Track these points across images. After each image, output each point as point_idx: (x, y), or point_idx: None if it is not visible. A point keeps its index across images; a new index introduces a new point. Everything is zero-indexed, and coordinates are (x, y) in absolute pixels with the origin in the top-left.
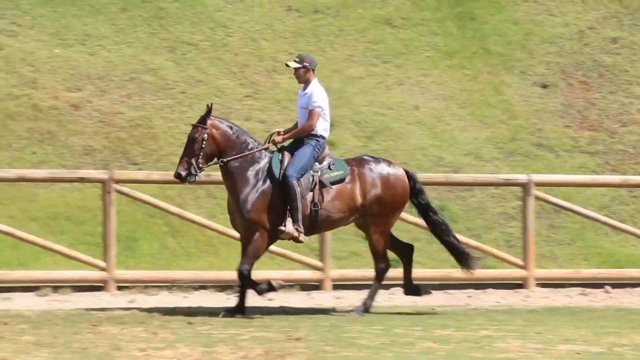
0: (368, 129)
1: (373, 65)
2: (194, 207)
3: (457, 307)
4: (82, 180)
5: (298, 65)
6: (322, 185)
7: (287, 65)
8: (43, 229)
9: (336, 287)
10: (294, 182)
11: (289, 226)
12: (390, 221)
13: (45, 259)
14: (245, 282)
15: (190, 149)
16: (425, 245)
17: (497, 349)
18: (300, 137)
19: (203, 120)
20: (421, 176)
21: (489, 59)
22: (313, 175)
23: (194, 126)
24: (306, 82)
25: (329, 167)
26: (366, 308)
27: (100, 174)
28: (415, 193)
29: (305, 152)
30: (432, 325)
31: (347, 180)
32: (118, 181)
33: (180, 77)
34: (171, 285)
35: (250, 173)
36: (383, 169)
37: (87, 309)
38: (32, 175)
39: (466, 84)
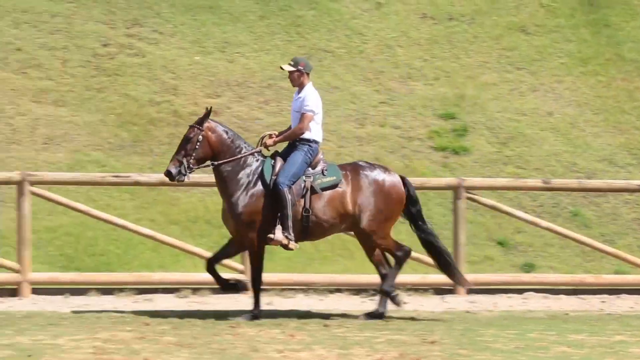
0: (502, 135)
1: (507, 72)
2: None
3: (590, 312)
4: None
5: (292, 69)
6: (314, 191)
7: (281, 69)
8: (183, 232)
9: (470, 291)
10: (285, 189)
11: (278, 234)
12: (387, 226)
13: (185, 262)
14: (255, 289)
15: (184, 149)
16: (558, 251)
17: (631, 355)
18: (292, 141)
19: (200, 122)
20: (555, 182)
21: (623, 66)
22: (305, 181)
23: (191, 126)
24: (300, 86)
25: (322, 173)
26: (389, 295)
27: None
28: (408, 201)
29: (297, 159)
30: (566, 330)
31: (339, 186)
32: None
33: (317, 83)
34: (307, 288)
35: (242, 176)
36: (378, 175)
37: (225, 311)
38: None
39: (600, 90)
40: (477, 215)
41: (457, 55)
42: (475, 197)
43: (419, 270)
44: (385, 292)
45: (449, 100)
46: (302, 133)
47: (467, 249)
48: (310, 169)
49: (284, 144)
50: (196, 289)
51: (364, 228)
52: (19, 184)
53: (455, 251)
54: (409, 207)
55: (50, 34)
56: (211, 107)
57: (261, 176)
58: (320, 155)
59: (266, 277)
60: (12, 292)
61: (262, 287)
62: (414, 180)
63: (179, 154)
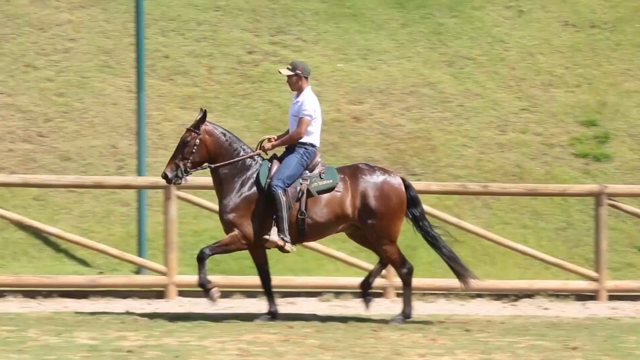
0: None
1: None
2: (471, 217)
3: None
4: None
5: (290, 73)
6: (310, 194)
7: (279, 73)
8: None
9: (611, 297)
10: (279, 191)
11: (273, 235)
12: (394, 229)
13: (328, 266)
14: (199, 264)
15: (181, 152)
16: None
17: None
18: (290, 145)
19: (197, 125)
20: None
21: None
22: (301, 184)
23: (187, 130)
24: (299, 90)
25: (320, 176)
26: (406, 315)
27: None
28: (410, 203)
29: (291, 161)
30: None
31: (337, 189)
32: None
33: (458, 90)
34: (448, 293)
35: (238, 180)
36: (377, 178)
37: (367, 315)
38: None
39: None
40: (619, 222)
41: (599, 62)
42: (617, 204)
43: (560, 276)
44: (405, 315)
45: (590, 107)
46: (300, 138)
47: (608, 255)
48: (307, 172)
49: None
50: (338, 292)
51: (372, 234)
52: (166, 188)
53: (597, 257)
54: (411, 209)
55: (196, 41)
56: (206, 110)
57: (256, 179)
58: (318, 159)
59: None
60: (159, 294)
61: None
62: (555, 187)
63: (176, 158)
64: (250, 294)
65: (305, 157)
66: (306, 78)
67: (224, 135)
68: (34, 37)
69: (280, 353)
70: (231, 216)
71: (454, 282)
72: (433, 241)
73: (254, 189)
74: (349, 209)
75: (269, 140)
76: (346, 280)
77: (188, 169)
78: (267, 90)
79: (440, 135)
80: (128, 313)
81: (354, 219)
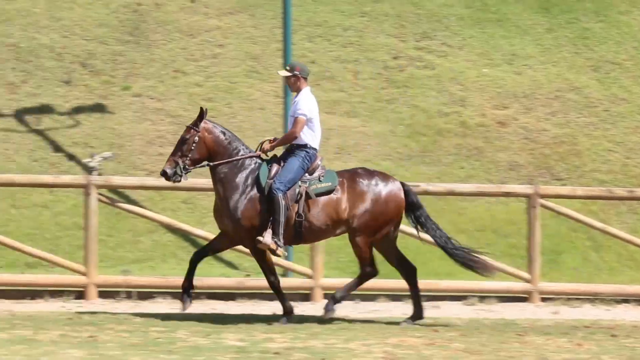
0: None
1: None
2: (616, 222)
3: None
4: (507, 194)
5: (288, 74)
6: (308, 196)
7: (278, 74)
8: (470, 240)
9: None
10: (279, 194)
11: (266, 238)
12: (379, 234)
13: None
14: (277, 295)
15: (180, 149)
16: None
17: None
18: (287, 145)
19: (196, 122)
20: None
21: None
22: (300, 186)
23: (187, 127)
24: (297, 91)
25: (319, 179)
26: (336, 300)
27: (526, 189)
28: (410, 208)
29: (293, 165)
30: None
31: (335, 192)
32: (543, 196)
33: (604, 95)
34: (594, 298)
35: (239, 179)
36: (375, 183)
37: (512, 319)
38: (460, 189)
39: None
40: None
41: None
42: None
43: None
44: (333, 297)
45: None
46: (295, 137)
47: None
48: (307, 174)
49: (282, 149)
50: (483, 296)
51: (355, 230)
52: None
53: None
54: (413, 213)
55: (342, 47)
56: (206, 108)
57: (257, 180)
58: (318, 162)
59: (553, 286)
60: (305, 297)
61: (281, 287)
62: None
63: (175, 155)
64: (394, 297)
65: (306, 160)
66: (305, 79)
67: (224, 134)
68: (184, 43)
69: (425, 357)
70: (244, 221)
71: (599, 287)
72: (442, 242)
73: (256, 188)
74: (344, 213)
75: (270, 141)
76: (490, 284)
77: (187, 167)
78: (412, 95)
79: (585, 140)
80: (275, 315)
81: (349, 222)
